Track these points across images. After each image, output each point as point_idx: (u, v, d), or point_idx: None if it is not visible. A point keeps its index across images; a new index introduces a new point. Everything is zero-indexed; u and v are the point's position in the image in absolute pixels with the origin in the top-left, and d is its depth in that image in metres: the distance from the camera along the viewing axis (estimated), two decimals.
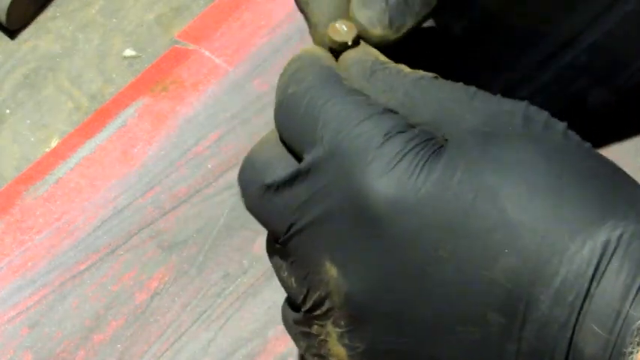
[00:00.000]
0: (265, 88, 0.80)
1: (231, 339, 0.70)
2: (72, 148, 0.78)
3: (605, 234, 0.50)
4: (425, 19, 0.62)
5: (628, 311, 0.48)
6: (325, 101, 0.57)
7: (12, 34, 0.86)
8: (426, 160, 0.53)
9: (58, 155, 0.77)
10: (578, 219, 0.51)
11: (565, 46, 0.79)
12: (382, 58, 0.59)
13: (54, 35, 0.86)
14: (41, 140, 0.81)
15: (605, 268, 0.49)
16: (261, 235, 0.73)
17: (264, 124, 0.78)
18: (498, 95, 0.56)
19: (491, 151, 0.52)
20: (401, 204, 0.52)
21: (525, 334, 0.50)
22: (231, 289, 0.72)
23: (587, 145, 0.56)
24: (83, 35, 0.86)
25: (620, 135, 0.76)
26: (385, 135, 0.54)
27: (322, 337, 0.57)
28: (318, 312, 0.56)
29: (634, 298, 0.48)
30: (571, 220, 0.50)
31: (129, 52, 0.85)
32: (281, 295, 0.71)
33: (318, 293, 0.55)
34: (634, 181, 0.54)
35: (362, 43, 0.60)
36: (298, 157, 0.58)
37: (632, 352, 0.47)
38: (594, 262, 0.49)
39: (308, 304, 0.56)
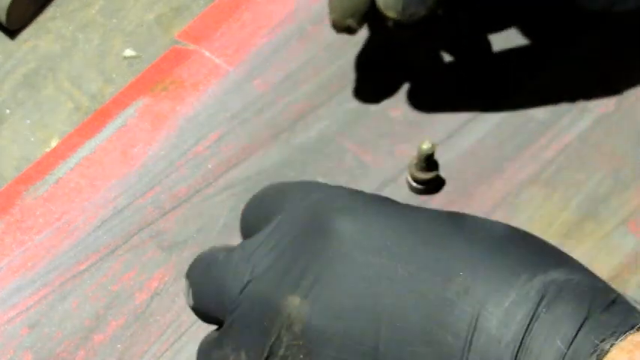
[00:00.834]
0: (265, 89, 0.80)
1: None
2: (72, 148, 0.78)
3: (542, 278, 0.52)
4: (434, 10, 0.67)
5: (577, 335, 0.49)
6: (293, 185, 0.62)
7: (12, 34, 0.86)
8: (390, 205, 0.58)
9: (58, 155, 0.77)
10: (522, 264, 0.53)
11: None
12: None
13: (54, 35, 0.86)
14: (41, 140, 0.81)
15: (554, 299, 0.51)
16: None
17: (263, 124, 0.78)
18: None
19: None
20: (362, 231, 0.55)
21: (472, 355, 0.50)
22: None
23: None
24: (83, 35, 0.86)
25: (620, 132, 0.76)
26: (350, 191, 0.59)
27: None
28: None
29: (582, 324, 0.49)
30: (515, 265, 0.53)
31: (129, 52, 0.85)
32: None
33: (276, 334, 0.56)
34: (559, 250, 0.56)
35: None
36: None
37: None
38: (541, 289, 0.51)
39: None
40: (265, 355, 0.56)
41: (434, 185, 0.74)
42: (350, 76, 0.80)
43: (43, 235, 0.74)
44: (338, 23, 0.71)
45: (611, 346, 0.49)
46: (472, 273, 0.52)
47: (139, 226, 0.74)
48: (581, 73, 0.79)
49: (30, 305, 0.72)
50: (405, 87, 0.79)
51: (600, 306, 0.50)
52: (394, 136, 0.77)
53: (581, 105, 0.78)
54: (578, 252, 0.72)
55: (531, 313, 0.50)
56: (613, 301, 0.51)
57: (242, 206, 0.74)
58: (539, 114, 0.77)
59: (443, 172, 0.75)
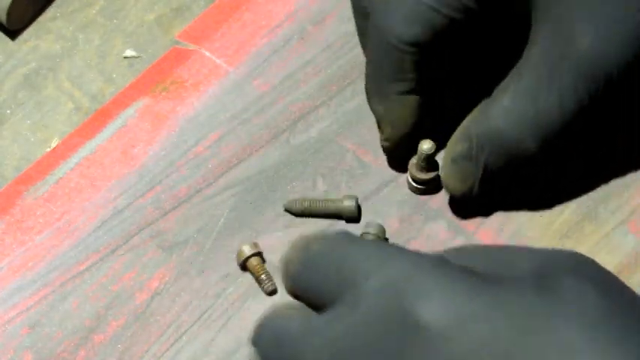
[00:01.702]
0: (265, 89, 0.80)
1: (232, 339, 0.70)
2: (72, 149, 0.78)
3: None
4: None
5: None
6: (359, 248, 0.56)
7: (12, 34, 0.86)
8: (480, 285, 0.51)
9: (58, 155, 0.77)
10: None
11: None
12: None
13: (54, 35, 0.86)
14: (41, 140, 0.81)
15: None
16: (261, 235, 0.74)
17: (264, 124, 0.78)
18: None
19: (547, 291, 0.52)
20: (455, 324, 0.50)
21: None
22: (231, 289, 0.72)
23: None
24: (83, 35, 0.86)
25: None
26: (433, 264, 0.53)
27: None
28: None
29: None
30: None
31: (129, 52, 0.85)
32: (281, 294, 0.71)
33: None
34: None
35: None
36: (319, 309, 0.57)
37: None
38: None
39: None
40: None
41: (434, 185, 0.74)
42: (350, 76, 0.80)
43: (43, 235, 0.74)
44: None
45: None
46: None
47: (139, 226, 0.74)
48: None
49: (30, 305, 0.72)
50: None
51: None
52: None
53: None
54: (578, 252, 0.72)
55: None
56: None
57: (242, 206, 0.74)
58: None
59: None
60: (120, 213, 0.75)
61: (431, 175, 0.73)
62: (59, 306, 0.72)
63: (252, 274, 0.71)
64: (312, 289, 0.58)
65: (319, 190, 0.75)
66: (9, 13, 0.84)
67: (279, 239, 0.73)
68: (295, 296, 0.60)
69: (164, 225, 0.74)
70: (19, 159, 0.81)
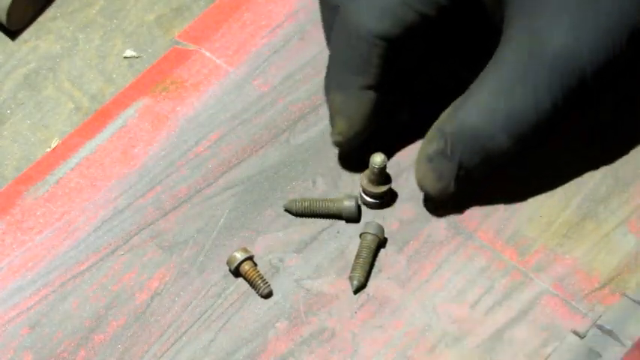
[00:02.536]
0: (265, 89, 0.80)
1: (232, 339, 0.70)
2: (72, 149, 0.78)
3: None
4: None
5: None
6: None
7: (12, 34, 0.86)
8: None
9: (58, 155, 0.77)
10: None
11: None
12: None
13: (54, 36, 0.86)
14: (42, 140, 0.81)
15: None
16: (261, 235, 0.74)
17: (264, 125, 0.78)
18: None
19: None
20: None
21: None
22: (231, 289, 0.72)
23: None
24: (84, 36, 0.86)
25: (620, 132, 0.76)
26: None
27: None
28: None
29: None
30: None
31: (129, 52, 0.85)
32: (281, 295, 0.71)
33: None
34: None
35: None
36: None
37: None
38: None
39: None
40: None
41: (387, 199, 0.74)
42: None
43: (43, 236, 0.74)
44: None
45: None
46: None
47: (139, 227, 0.74)
48: None
49: (30, 305, 0.72)
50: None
51: None
52: (394, 136, 0.77)
53: None
54: (578, 252, 0.72)
55: None
56: None
57: (242, 206, 0.74)
58: None
59: None
60: (120, 213, 0.75)
61: (383, 188, 0.73)
62: (59, 306, 0.72)
63: (246, 279, 0.71)
64: None
65: (319, 190, 0.75)
66: (9, 13, 0.84)
67: (279, 239, 0.73)
68: None
69: (164, 225, 0.74)
70: (19, 159, 0.81)
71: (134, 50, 0.85)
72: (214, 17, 0.84)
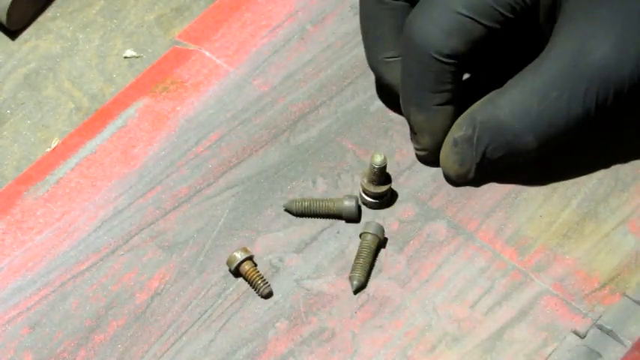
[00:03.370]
0: (265, 89, 0.80)
1: (232, 339, 0.70)
2: (72, 149, 0.78)
3: None
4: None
5: None
6: None
7: (12, 34, 0.86)
8: None
9: (58, 155, 0.77)
10: None
11: None
12: None
13: (54, 36, 0.86)
14: (42, 140, 0.81)
15: None
16: (261, 235, 0.74)
17: (264, 124, 0.78)
18: None
19: None
20: None
21: None
22: (231, 289, 0.72)
23: None
24: (84, 36, 0.86)
25: (620, 132, 0.77)
26: None
27: None
28: None
29: None
30: None
31: (129, 52, 0.85)
32: (281, 295, 0.71)
33: None
34: None
35: None
36: None
37: None
38: None
39: None
40: None
41: (387, 199, 0.74)
42: (350, 76, 0.80)
43: (43, 236, 0.74)
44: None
45: None
46: None
47: (139, 227, 0.74)
48: None
49: (30, 305, 0.72)
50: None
51: None
52: (394, 136, 0.77)
53: None
54: (578, 252, 0.72)
55: None
56: None
57: (242, 206, 0.74)
58: None
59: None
60: (120, 213, 0.75)
61: (383, 188, 0.73)
62: (59, 306, 0.72)
63: (246, 279, 0.71)
64: None
65: (319, 190, 0.75)
66: (9, 13, 0.84)
67: (279, 239, 0.73)
68: None
69: (164, 225, 0.74)
70: (19, 159, 0.81)
71: (134, 50, 0.85)
72: (214, 17, 0.84)
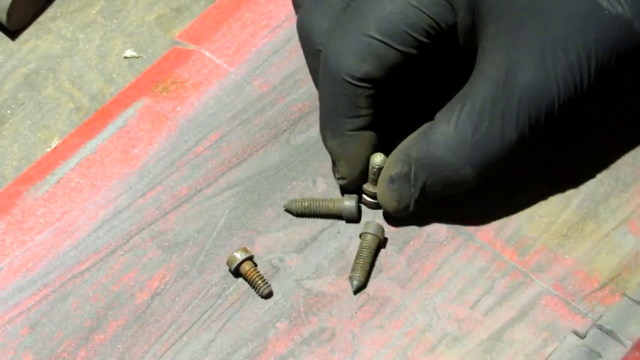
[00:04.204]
0: (266, 89, 0.80)
1: (232, 339, 0.70)
2: (72, 149, 0.78)
3: None
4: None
5: None
6: None
7: (12, 34, 0.86)
8: None
9: (58, 155, 0.78)
10: None
11: None
12: None
13: (54, 36, 0.86)
14: (42, 140, 0.81)
15: None
16: (261, 235, 0.74)
17: (264, 125, 0.78)
18: None
19: None
20: None
21: None
22: (231, 289, 0.72)
23: None
24: (84, 36, 0.86)
25: (621, 133, 0.77)
26: None
27: None
28: None
29: None
30: None
31: (129, 52, 0.85)
32: (282, 295, 0.71)
33: None
34: None
35: None
36: None
37: None
38: None
39: None
40: None
41: None
42: None
43: (43, 236, 0.74)
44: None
45: None
46: None
47: (139, 227, 0.74)
48: None
49: (31, 305, 0.72)
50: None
51: None
52: (394, 137, 0.77)
53: None
54: (578, 252, 0.72)
55: None
56: None
57: (242, 206, 0.74)
58: None
59: None
60: (120, 213, 0.75)
61: None
62: (59, 306, 0.72)
63: (246, 279, 0.71)
64: None
65: (319, 190, 0.75)
66: (9, 13, 0.84)
67: (280, 239, 0.73)
68: None
69: (164, 225, 0.74)
70: (19, 159, 0.81)
71: (134, 50, 0.85)
72: (214, 17, 0.84)
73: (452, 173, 0.69)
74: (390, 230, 0.73)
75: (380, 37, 0.68)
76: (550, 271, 0.71)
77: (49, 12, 0.87)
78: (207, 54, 0.82)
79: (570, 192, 0.75)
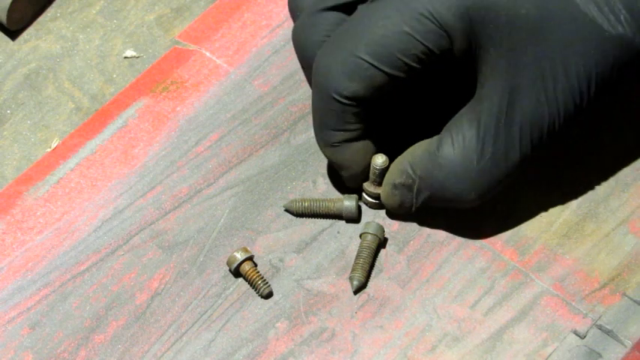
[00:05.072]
0: (266, 89, 0.80)
1: (232, 339, 0.70)
2: (72, 149, 0.78)
3: None
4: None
5: None
6: None
7: (13, 34, 0.86)
8: None
9: (58, 155, 0.78)
10: None
11: None
12: None
13: (54, 36, 0.86)
14: (42, 140, 0.81)
15: None
16: (261, 235, 0.74)
17: (264, 125, 0.78)
18: None
19: None
20: None
21: None
22: (231, 289, 0.72)
23: None
24: (84, 36, 0.86)
25: (620, 133, 0.77)
26: None
27: None
28: None
29: None
30: None
31: (129, 52, 0.85)
32: (282, 295, 0.71)
33: None
34: None
35: None
36: None
37: None
38: None
39: None
40: None
41: None
42: None
43: (43, 236, 0.74)
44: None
45: None
46: None
47: (139, 227, 0.74)
48: None
49: (31, 305, 0.72)
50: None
51: None
52: (395, 138, 0.77)
53: None
54: (578, 252, 0.72)
55: None
56: None
57: (242, 206, 0.74)
58: None
59: None
60: (120, 213, 0.75)
61: None
62: (59, 306, 0.72)
63: (246, 279, 0.71)
64: None
65: (319, 190, 0.75)
66: (9, 13, 0.84)
67: (280, 239, 0.73)
68: None
69: (164, 225, 0.74)
70: (19, 159, 0.81)
71: (134, 50, 0.85)
72: (214, 17, 0.84)
73: (454, 197, 0.70)
74: (390, 230, 0.73)
75: (369, 60, 0.68)
76: (550, 271, 0.71)
77: (49, 12, 0.87)
78: (208, 54, 0.82)
79: (570, 192, 0.75)
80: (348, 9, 0.71)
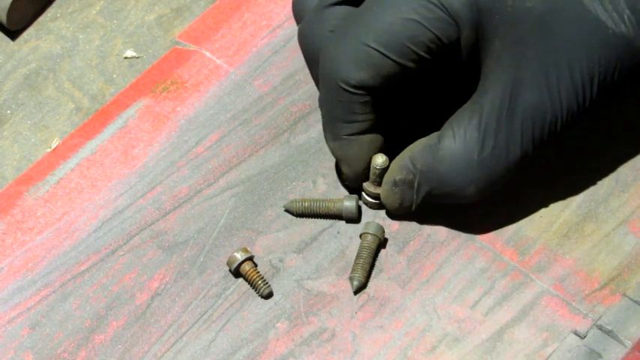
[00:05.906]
0: (266, 89, 0.80)
1: (232, 339, 0.70)
2: (73, 149, 0.78)
3: None
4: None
5: None
6: None
7: (13, 34, 0.86)
8: None
9: (58, 156, 0.78)
10: None
11: None
12: None
13: (54, 36, 0.86)
14: (42, 141, 0.81)
15: None
16: (261, 235, 0.74)
17: (264, 125, 0.78)
18: None
19: None
20: None
21: None
22: (231, 289, 0.72)
23: None
24: (84, 36, 0.86)
25: (620, 133, 0.77)
26: None
27: None
28: None
29: None
30: None
31: (130, 52, 0.85)
32: (282, 295, 0.71)
33: None
34: None
35: None
36: None
37: None
38: None
39: None
40: None
41: None
42: None
43: (43, 236, 0.74)
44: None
45: None
46: None
47: (139, 227, 0.74)
48: None
49: (31, 306, 0.72)
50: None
51: None
52: (395, 138, 0.77)
53: None
54: (578, 252, 0.72)
55: None
56: None
57: (242, 207, 0.74)
58: None
59: None
60: (120, 213, 0.75)
61: None
62: (60, 306, 0.72)
63: (246, 279, 0.71)
64: None
65: (319, 191, 0.75)
66: (9, 13, 0.84)
67: (280, 239, 0.73)
68: None
69: (164, 225, 0.74)
70: (19, 159, 0.81)
71: (134, 50, 0.85)
72: (214, 17, 0.84)
73: (455, 190, 0.69)
74: (390, 230, 0.73)
75: (378, 47, 0.68)
76: (550, 272, 0.71)
77: (49, 12, 0.87)
78: (208, 54, 0.82)
79: (570, 192, 0.75)
80: (355, 2, 0.71)
